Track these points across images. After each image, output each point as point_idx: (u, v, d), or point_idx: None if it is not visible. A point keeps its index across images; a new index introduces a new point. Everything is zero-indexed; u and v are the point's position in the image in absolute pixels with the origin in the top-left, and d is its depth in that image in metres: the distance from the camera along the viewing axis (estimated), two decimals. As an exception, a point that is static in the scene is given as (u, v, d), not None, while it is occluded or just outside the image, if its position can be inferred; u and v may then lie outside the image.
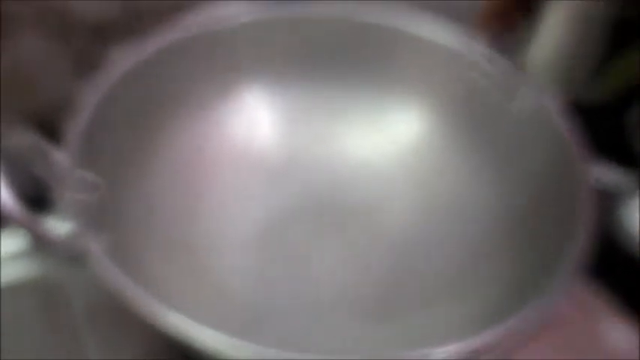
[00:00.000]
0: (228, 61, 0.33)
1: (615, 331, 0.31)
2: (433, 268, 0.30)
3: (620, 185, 0.33)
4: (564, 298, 0.24)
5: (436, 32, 0.33)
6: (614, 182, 0.33)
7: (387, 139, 0.34)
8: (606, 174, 0.32)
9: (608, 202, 0.30)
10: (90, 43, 0.40)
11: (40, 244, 0.26)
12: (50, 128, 0.28)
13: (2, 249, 0.31)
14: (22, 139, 0.27)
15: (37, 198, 0.26)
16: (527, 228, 0.29)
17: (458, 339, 0.22)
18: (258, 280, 0.30)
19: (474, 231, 0.31)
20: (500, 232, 0.30)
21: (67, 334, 0.30)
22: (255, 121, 0.34)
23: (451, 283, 0.30)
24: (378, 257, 0.31)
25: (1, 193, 0.25)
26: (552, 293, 0.24)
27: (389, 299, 0.30)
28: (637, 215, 0.36)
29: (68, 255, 0.26)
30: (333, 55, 0.34)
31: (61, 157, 0.27)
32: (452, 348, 0.22)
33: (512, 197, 0.31)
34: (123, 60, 0.30)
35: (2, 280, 0.31)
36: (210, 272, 0.30)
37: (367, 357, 0.24)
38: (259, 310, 0.29)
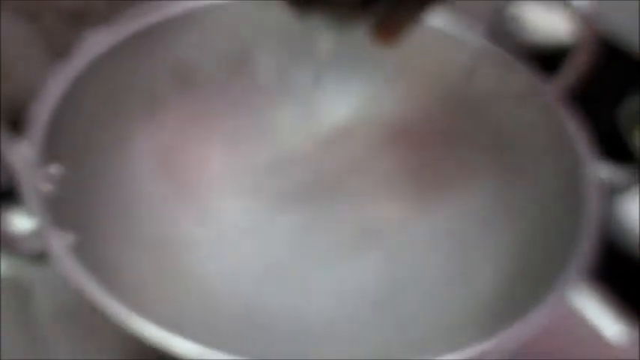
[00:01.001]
0: (206, 44, 0.31)
1: (614, 328, 0.31)
2: (430, 268, 0.29)
3: (617, 181, 0.32)
4: (566, 300, 0.23)
5: (434, 18, 0.31)
6: (609, 177, 0.32)
7: (378, 126, 0.33)
8: (602, 169, 0.31)
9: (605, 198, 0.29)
10: (64, 27, 0.38)
11: (2, 241, 0.24)
12: (22, 116, 0.27)
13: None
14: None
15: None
16: (528, 221, 0.28)
17: (457, 344, 0.21)
18: (239, 283, 0.28)
19: (472, 225, 0.30)
20: (499, 226, 0.29)
21: (34, 336, 0.28)
22: (239, 108, 0.33)
23: (450, 283, 0.28)
24: (371, 258, 0.30)
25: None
26: (555, 296, 0.22)
27: (382, 304, 0.28)
28: (634, 211, 0.35)
29: (32, 253, 0.24)
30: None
31: (24, 148, 0.25)
32: (452, 356, 0.21)
33: (511, 188, 0.29)
34: (94, 44, 0.29)
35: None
36: (188, 274, 0.28)
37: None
38: (240, 316, 0.27)
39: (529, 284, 0.25)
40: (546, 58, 0.31)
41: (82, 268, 0.22)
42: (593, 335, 0.30)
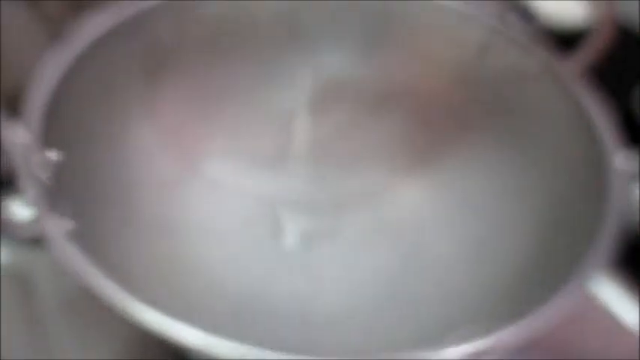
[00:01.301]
0: (213, 26, 0.30)
1: (634, 316, 0.30)
2: (443, 255, 0.28)
3: (632, 166, 0.31)
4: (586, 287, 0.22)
5: None
6: (626, 162, 0.30)
7: (390, 105, 0.32)
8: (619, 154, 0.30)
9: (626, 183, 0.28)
10: (65, 14, 0.37)
11: (1, 228, 0.24)
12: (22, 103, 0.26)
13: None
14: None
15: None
16: (547, 206, 0.27)
17: (472, 333, 0.20)
18: (245, 272, 0.28)
19: (488, 212, 0.29)
20: (516, 211, 0.28)
21: (34, 323, 0.28)
22: (237, 86, 0.31)
23: (464, 270, 0.27)
24: (382, 243, 0.29)
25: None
26: (575, 284, 0.22)
27: (392, 291, 0.27)
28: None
29: (31, 240, 0.23)
30: (332, 22, 0.31)
31: (21, 134, 0.24)
32: (466, 345, 0.20)
33: (529, 172, 0.28)
34: (91, 27, 0.28)
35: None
36: (190, 260, 0.27)
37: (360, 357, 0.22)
38: (245, 302, 0.26)
39: (549, 271, 0.24)
40: (558, 41, 0.30)
41: (80, 254, 0.21)
42: (613, 323, 0.30)
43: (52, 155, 0.24)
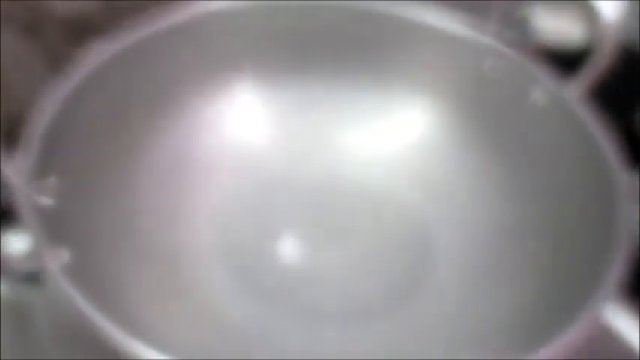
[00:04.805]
0: (214, 55, 0.30)
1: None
2: (449, 287, 0.27)
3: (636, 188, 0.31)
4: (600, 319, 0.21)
5: (442, 20, 0.31)
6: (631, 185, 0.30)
7: (390, 136, 0.32)
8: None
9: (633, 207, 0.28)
10: (65, 42, 0.37)
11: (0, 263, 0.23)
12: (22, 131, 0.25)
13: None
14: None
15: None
16: (554, 235, 0.27)
17: None
18: (250, 301, 0.27)
19: (494, 241, 0.28)
20: (523, 241, 0.27)
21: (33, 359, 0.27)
22: (246, 119, 0.32)
23: (472, 302, 0.27)
24: (386, 275, 0.28)
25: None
26: (588, 315, 0.21)
27: (399, 312, 0.26)
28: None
29: (28, 274, 0.23)
30: (331, 46, 0.31)
31: (21, 162, 0.24)
32: None
33: (528, 200, 0.28)
34: (94, 56, 0.28)
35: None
36: (194, 292, 0.27)
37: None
38: (249, 339, 0.25)
39: (559, 303, 0.24)
40: (559, 61, 0.30)
41: (77, 289, 0.21)
42: (622, 350, 0.29)
43: (52, 183, 0.24)
